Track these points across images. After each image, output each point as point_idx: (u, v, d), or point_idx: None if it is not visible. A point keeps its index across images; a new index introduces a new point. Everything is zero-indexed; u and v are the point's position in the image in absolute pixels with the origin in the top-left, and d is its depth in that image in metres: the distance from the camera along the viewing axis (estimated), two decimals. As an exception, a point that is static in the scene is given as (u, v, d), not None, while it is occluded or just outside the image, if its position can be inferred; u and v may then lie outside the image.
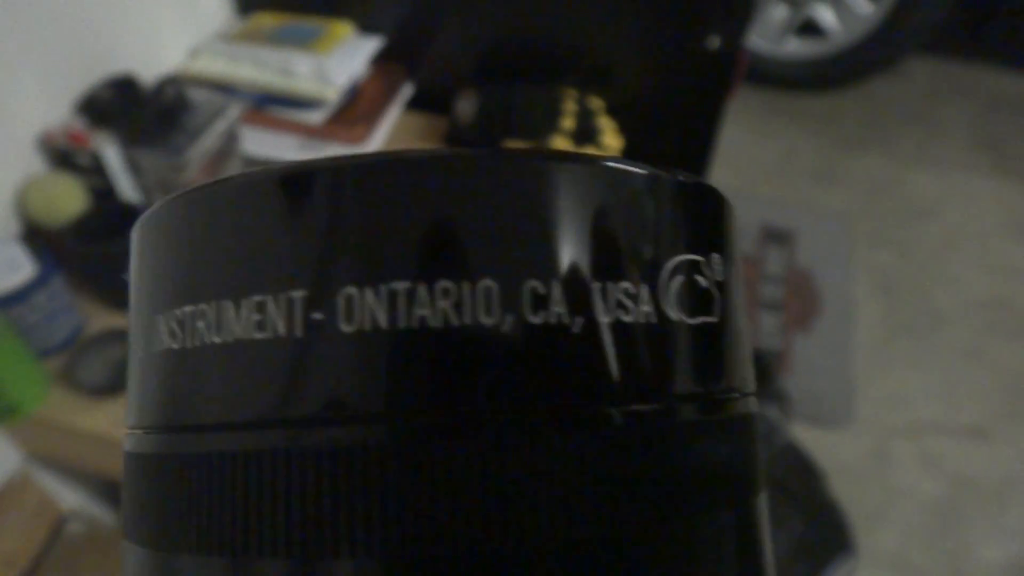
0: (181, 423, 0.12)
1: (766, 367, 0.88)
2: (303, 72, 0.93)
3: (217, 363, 0.11)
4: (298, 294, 0.11)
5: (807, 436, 1.12)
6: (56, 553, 0.83)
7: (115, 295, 0.79)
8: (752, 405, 0.14)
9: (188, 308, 0.12)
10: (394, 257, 0.11)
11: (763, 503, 0.14)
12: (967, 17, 2.24)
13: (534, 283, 0.11)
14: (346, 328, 0.11)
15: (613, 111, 0.99)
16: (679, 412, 0.12)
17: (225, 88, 0.93)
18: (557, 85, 0.99)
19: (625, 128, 0.98)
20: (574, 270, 0.11)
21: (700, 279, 0.13)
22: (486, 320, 0.11)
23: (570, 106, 0.95)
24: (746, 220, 1.79)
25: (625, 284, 0.11)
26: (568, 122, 0.92)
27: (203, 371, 0.12)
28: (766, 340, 1.51)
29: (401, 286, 0.11)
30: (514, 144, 0.91)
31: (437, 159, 0.12)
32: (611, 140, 0.94)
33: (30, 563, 0.80)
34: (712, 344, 0.13)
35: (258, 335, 0.11)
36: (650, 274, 0.12)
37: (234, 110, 0.88)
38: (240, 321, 0.11)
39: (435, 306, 0.11)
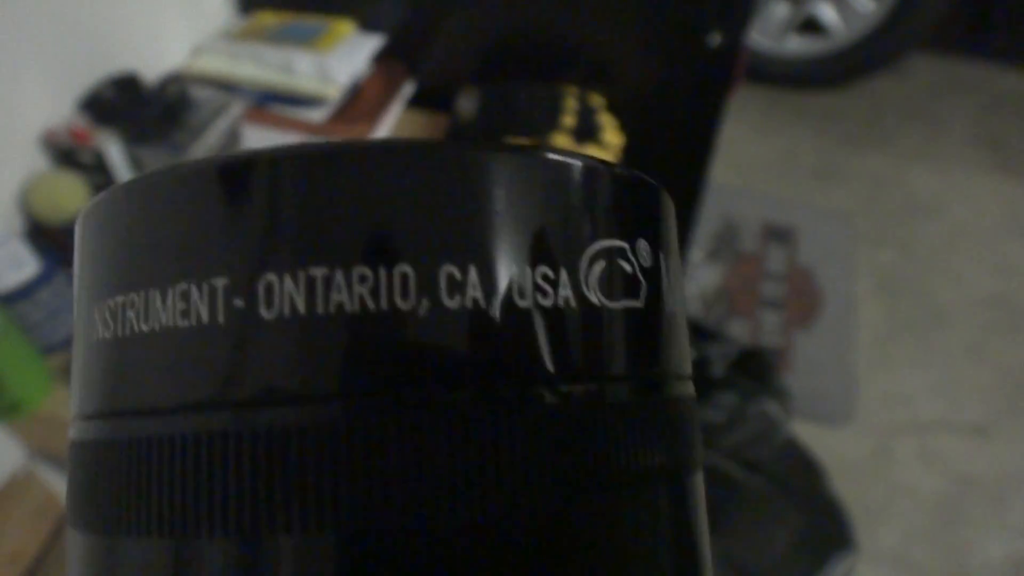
0: (118, 409, 0.12)
1: (767, 365, 0.88)
2: (305, 70, 0.93)
3: (147, 351, 0.12)
4: (220, 282, 0.11)
5: (808, 434, 1.12)
6: (60, 550, 0.83)
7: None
8: (688, 388, 0.15)
9: (119, 298, 0.12)
10: (311, 244, 0.11)
11: (698, 482, 0.14)
12: (969, 14, 2.24)
13: (450, 268, 0.11)
14: (266, 315, 0.11)
15: (614, 108, 0.99)
16: (604, 393, 0.12)
17: (227, 86, 0.94)
18: (558, 82, 0.99)
19: (626, 125, 0.98)
20: (491, 256, 0.11)
21: (624, 265, 0.13)
22: (402, 304, 0.11)
23: (571, 103, 0.95)
24: (747, 217, 1.79)
25: (543, 269, 0.12)
26: (569, 119, 0.92)
27: (134, 359, 0.12)
28: (767, 338, 1.51)
29: (319, 272, 0.11)
30: (517, 141, 0.91)
31: (352, 150, 0.12)
32: (612, 137, 0.94)
33: (33, 560, 0.80)
34: (639, 328, 0.13)
35: (183, 323, 0.11)
36: (570, 260, 0.12)
37: (236, 108, 0.88)
38: (166, 310, 0.11)
39: (352, 292, 0.11)
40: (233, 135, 0.88)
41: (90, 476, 0.12)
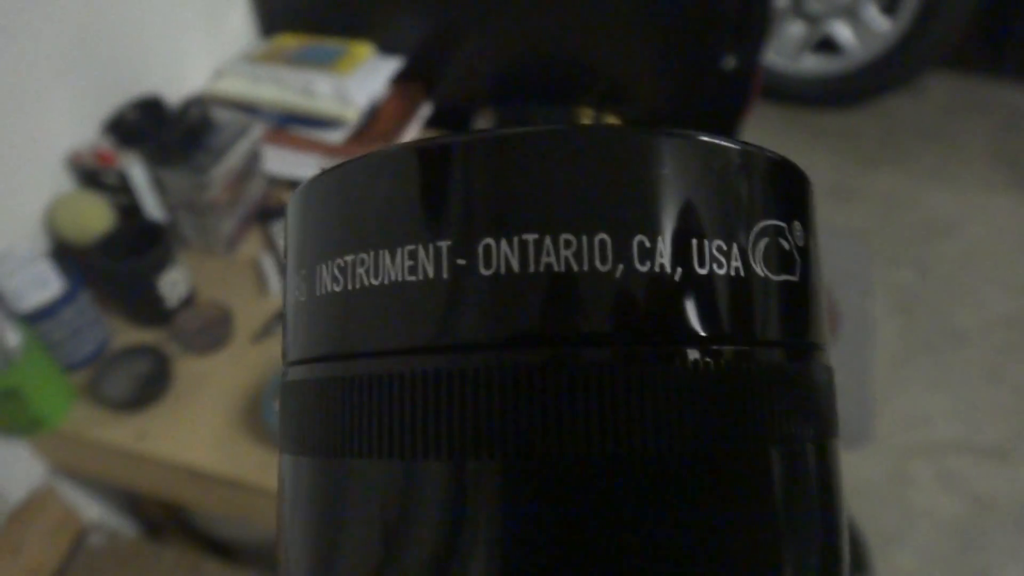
0: (349, 351, 0.14)
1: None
2: (324, 92, 0.95)
3: (377, 301, 0.14)
4: (444, 244, 0.13)
5: (824, 455, 1.12)
6: (78, 565, 0.84)
7: (140, 311, 0.81)
8: (827, 358, 0.16)
9: (349, 257, 0.14)
10: (525, 214, 0.13)
11: (836, 448, 0.16)
12: (985, 33, 2.24)
13: (641, 237, 0.13)
14: (484, 272, 0.13)
15: (630, 130, 0.99)
16: (760, 355, 0.14)
17: (248, 108, 0.95)
18: (574, 104, 1.00)
19: (641, 147, 0.98)
20: (676, 228, 0.13)
21: (783, 242, 0.14)
22: (601, 267, 0.13)
23: (587, 125, 0.95)
24: (763, 237, 1.78)
25: (718, 242, 0.13)
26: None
27: (365, 308, 0.14)
28: (783, 358, 1.51)
29: (531, 237, 0.13)
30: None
31: (562, 133, 0.14)
32: (627, 159, 0.95)
33: (52, 574, 0.81)
34: (793, 300, 0.15)
35: (410, 278, 0.13)
36: (740, 235, 0.14)
37: (257, 130, 0.89)
38: (395, 267, 0.14)
39: (559, 254, 0.13)
40: (254, 156, 0.90)
41: (317, 410, 0.14)
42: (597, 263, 0.13)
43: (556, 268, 0.13)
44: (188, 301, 0.83)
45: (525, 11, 0.97)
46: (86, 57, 0.81)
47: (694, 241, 0.13)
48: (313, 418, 0.15)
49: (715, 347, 0.13)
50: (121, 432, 0.72)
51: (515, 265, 0.13)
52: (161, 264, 0.78)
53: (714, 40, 0.90)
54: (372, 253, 0.14)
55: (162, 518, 0.97)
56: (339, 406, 0.14)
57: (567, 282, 0.13)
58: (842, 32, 2.02)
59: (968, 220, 1.86)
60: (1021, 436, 1.38)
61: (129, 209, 0.83)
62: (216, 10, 1.00)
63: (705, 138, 0.14)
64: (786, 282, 0.14)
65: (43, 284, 0.70)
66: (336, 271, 0.14)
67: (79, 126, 0.82)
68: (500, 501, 0.12)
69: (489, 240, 0.13)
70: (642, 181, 0.13)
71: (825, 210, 1.86)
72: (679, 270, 0.13)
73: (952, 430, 1.39)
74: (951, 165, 2.03)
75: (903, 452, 1.35)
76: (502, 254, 0.13)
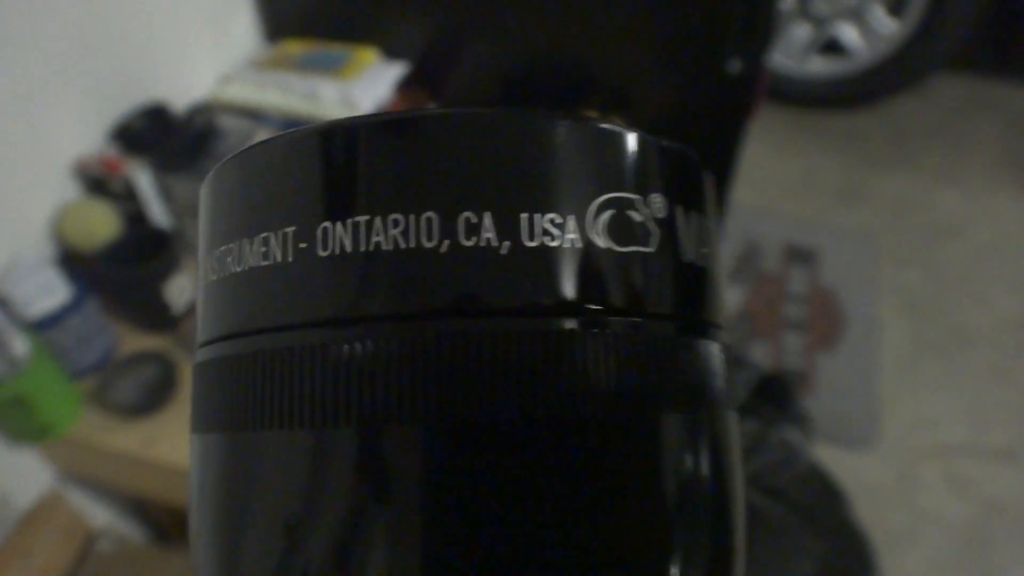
0: (231, 332, 0.15)
1: (787, 390, 0.87)
2: (329, 98, 0.95)
3: (240, 286, 0.15)
4: (290, 229, 0.14)
5: (832, 458, 1.11)
6: (87, 571, 0.85)
7: (146, 317, 0.81)
8: (719, 335, 0.16)
9: (222, 247, 0.15)
10: (355, 198, 0.14)
11: (729, 421, 0.16)
12: (992, 34, 2.22)
13: (468, 214, 0.13)
14: (322, 253, 0.14)
15: (634, 134, 0.99)
16: (607, 325, 0.14)
17: (254, 114, 0.95)
18: (578, 108, 1.00)
19: (646, 151, 0.98)
20: (503, 203, 0.14)
21: (634, 214, 0.14)
22: (427, 244, 0.13)
23: (591, 130, 0.95)
24: (770, 239, 1.78)
25: (551, 215, 0.14)
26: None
27: (256, 288, 0.15)
28: (790, 360, 1.50)
29: (362, 219, 0.13)
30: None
31: (393, 122, 0.14)
32: (632, 163, 0.95)
33: (61, 580, 0.82)
34: (646, 270, 0.15)
35: (264, 263, 0.14)
36: (578, 208, 0.14)
37: (262, 136, 0.90)
38: (253, 253, 0.14)
39: (387, 233, 0.13)
40: (259, 162, 0.90)
41: (226, 386, 0.15)
42: (423, 240, 0.13)
43: (384, 246, 0.13)
44: (194, 307, 0.83)
45: (530, 16, 0.97)
46: (92, 65, 0.82)
47: (523, 215, 0.13)
48: (221, 395, 0.15)
49: (555, 317, 0.14)
50: (129, 438, 0.72)
51: (348, 245, 0.13)
52: (167, 271, 0.78)
53: (719, 43, 0.90)
54: (236, 243, 0.15)
55: (170, 523, 0.98)
56: (243, 381, 0.14)
57: (395, 259, 0.13)
58: (848, 34, 2.01)
59: (976, 221, 1.85)
60: (1030, 438, 1.37)
61: (135, 216, 0.83)
62: (221, 16, 1.01)
63: (536, 115, 0.14)
64: (637, 253, 0.14)
65: (50, 291, 0.71)
66: (214, 262, 0.16)
67: (85, 134, 0.82)
68: (401, 462, 0.13)
69: (326, 224, 0.14)
70: (470, 160, 0.14)
71: (831, 211, 1.87)
72: (506, 243, 0.13)
73: (960, 432, 1.38)
74: (958, 166, 2.02)
75: (911, 454, 1.34)
76: (337, 236, 0.14)
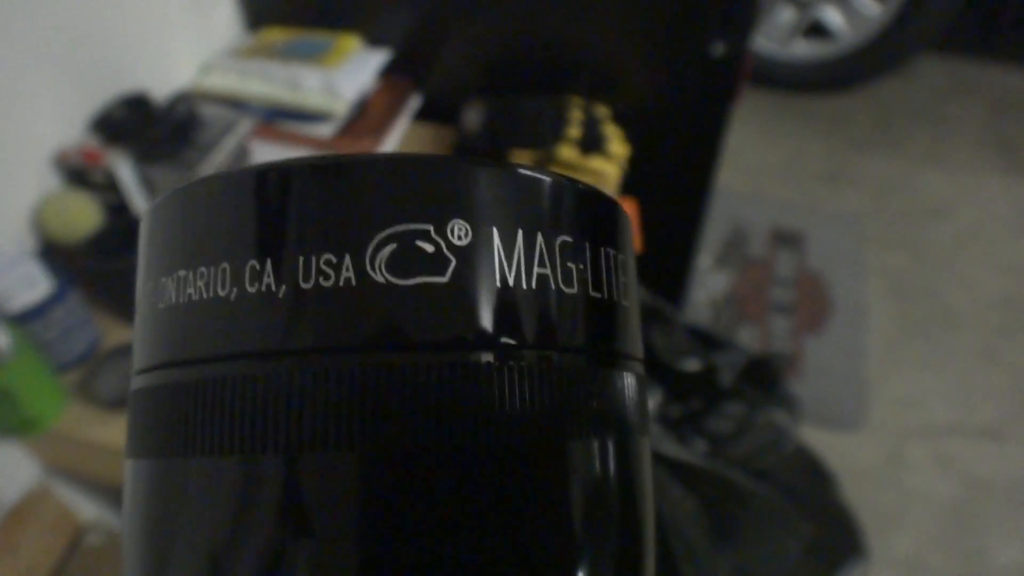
0: (176, 360, 0.15)
1: (774, 372, 0.88)
2: (312, 86, 0.94)
3: (176, 317, 0.15)
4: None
5: (820, 439, 1.12)
6: (75, 565, 0.84)
7: (130, 309, 0.81)
8: (616, 363, 0.17)
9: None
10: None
11: (642, 449, 0.17)
12: (976, 16, 2.23)
13: (252, 262, 0.14)
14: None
15: (619, 119, 0.99)
16: (521, 358, 0.15)
17: (235, 103, 0.95)
18: (563, 94, 0.99)
19: (631, 135, 0.98)
20: (279, 249, 0.14)
21: (425, 245, 0.14)
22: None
23: (576, 115, 0.95)
24: (756, 223, 1.79)
25: (327, 255, 0.14)
26: (574, 131, 0.93)
27: (172, 323, 0.15)
28: (777, 343, 1.51)
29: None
30: (521, 153, 0.92)
31: (316, 165, 0.15)
32: (617, 148, 0.95)
33: (49, 575, 0.81)
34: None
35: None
36: (355, 245, 0.14)
37: (244, 125, 0.89)
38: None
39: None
40: (242, 152, 0.89)
41: (160, 414, 0.15)
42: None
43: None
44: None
45: (513, 2, 0.97)
46: (71, 54, 0.81)
47: (300, 259, 0.14)
48: (153, 421, 0.15)
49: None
50: (114, 431, 0.72)
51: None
52: (151, 262, 0.77)
53: (702, 27, 0.90)
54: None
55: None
56: (174, 410, 0.15)
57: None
58: (832, 17, 2.02)
59: (961, 203, 1.86)
60: (1016, 417, 1.38)
61: (117, 207, 0.82)
62: (202, 4, 1.00)
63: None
64: (425, 284, 0.14)
65: (31, 284, 0.70)
66: (151, 290, 0.16)
67: (65, 124, 0.82)
68: (324, 488, 0.14)
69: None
70: (251, 213, 0.15)
71: (817, 195, 1.87)
72: (283, 288, 0.14)
73: (947, 412, 1.40)
74: (943, 148, 2.03)
75: (898, 435, 1.35)
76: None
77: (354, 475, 0.13)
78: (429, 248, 0.14)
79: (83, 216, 0.79)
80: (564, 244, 0.15)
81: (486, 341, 0.14)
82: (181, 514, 0.15)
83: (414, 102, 1.06)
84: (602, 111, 0.98)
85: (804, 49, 2.10)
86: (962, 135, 2.07)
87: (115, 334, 0.80)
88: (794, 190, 1.91)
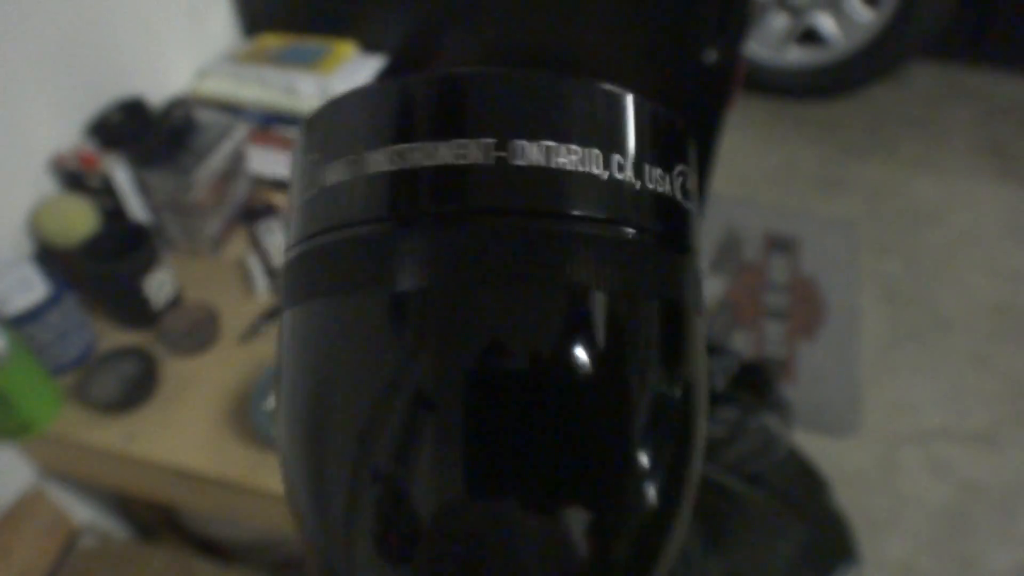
0: (319, 228, 0.18)
1: (767, 377, 0.88)
2: (308, 92, 0.95)
3: (317, 200, 0.18)
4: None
5: (813, 444, 1.12)
6: (69, 568, 0.84)
7: (126, 313, 0.81)
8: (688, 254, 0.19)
9: (319, 166, 0.18)
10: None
11: (690, 316, 0.18)
12: (969, 22, 2.25)
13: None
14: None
15: (613, 125, 1.00)
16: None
17: (232, 108, 0.95)
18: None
19: (625, 141, 0.99)
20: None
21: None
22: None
23: (571, 120, 0.96)
24: (750, 228, 1.79)
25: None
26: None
27: (317, 205, 0.18)
28: (771, 348, 1.52)
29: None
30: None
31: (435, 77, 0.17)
32: (611, 153, 0.95)
33: (44, 577, 0.81)
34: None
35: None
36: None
37: (240, 130, 0.89)
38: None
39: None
40: (238, 157, 0.90)
41: (312, 267, 0.18)
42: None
43: (385, 168, 0.17)
44: (174, 302, 0.83)
45: (507, 8, 0.97)
46: (68, 60, 0.81)
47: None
48: (305, 275, 0.18)
49: (555, 220, 0.16)
50: (109, 434, 0.72)
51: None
52: (146, 266, 0.78)
53: (695, 34, 0.91)
54: (324, 165, 0.17)
55: (153, 519, 0.97)
56: (319, 264, 0.17)
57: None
58: (825, 23, 2.03)
59: (953, 208, 1.87)
60: (1008, 422, 1.39)
61: (113, 211, 0.83)
62: (198, 11, 1.00)
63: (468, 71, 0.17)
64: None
65: (27, 287, 0.70)
66: (309, 177, 0.18)
67: (62, 129, 0.82)
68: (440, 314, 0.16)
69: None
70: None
71: (810, 200, 1.88)
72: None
73: (939, 417, 1.40)
74: (936, 154, 2.04)
75: (891, 439, 1.36)
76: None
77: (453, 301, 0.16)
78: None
79: (79, 220, 0.79)
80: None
81: (571, 215, 0.16)
82: (336, 345, 0.17)
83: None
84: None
85: (797, 55, 2.11)
86: (954, 140, 2.08)
87: (111, 337, 0.80)
88: (788, 195, 1.92)
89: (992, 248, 1.76)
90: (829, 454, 1.24)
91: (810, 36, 2.07)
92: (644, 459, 0.16)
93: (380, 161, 0.16)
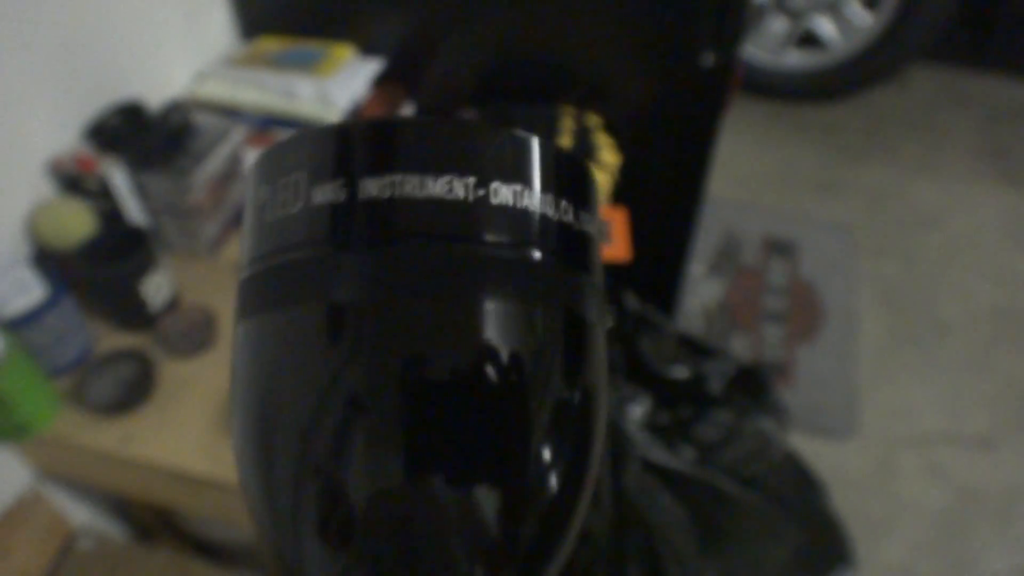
0: (267, 251, 0.19)
1: (763, 381, 0.88)
2: (305, 95, 0.95)
3: (267, 227, 0.19)
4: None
5: (811, 448, 1.13)
6: (67, 570, 0.85)
7: (124, 315, 0.81)
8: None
9: (266, 198, 0.20)
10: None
11: (591, 329, 0.20)
12: (968, 26, 2.25)
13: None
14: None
15: (611, 128, 1.00)
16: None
17: (229, 112, 0.95)
18: (555, 103, 1.00)
19: (623, 144, 0.99)
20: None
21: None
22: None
23: (568, 124, 0.96)
24: (749, 231, 1.79)
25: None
26: (566, 140, 0.94)
27: (267, 231, 0.20)
28: (769, 351, 1.52)
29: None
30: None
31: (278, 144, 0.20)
32: (609, 157, 0.96)
33: (41, 579, 0.82)
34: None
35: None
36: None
37: (238, 133, 0.90)
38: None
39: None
40: (235, 160, 0.90)
41: (262, 285, 0.19)
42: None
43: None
44: (172, 305, 0.83)
45: (506, 11, 0.97)
46: (66, 63, 0.81)
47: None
48: (257, 291, 0.20)
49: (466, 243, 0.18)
50: (106, 437, 0.72)
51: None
52: (144, 268, 0.78)
53: (692, 38, 0.91)
54: (277, 189, 0.19)
55: (151, 521, 0.98)
56: (268, 283, 0.19)
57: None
58: (825, 27, 2.03)
59: (952, 212, 1.87)
60: (1005, 426, 1.39)
61: (111, 214, 0.83)
62: (196, 14, 1.01)
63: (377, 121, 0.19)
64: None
65: (25, 290, 0.70)
66: (273, 198, 0.20)
67: (59, 132, 0.82)
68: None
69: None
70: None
71: (809, 204, 1.88)
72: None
73: (937, 421, 1.40)
74: (935, 157, 2.04)
75: (889, 443, 1.36)
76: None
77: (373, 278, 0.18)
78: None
79: (77, 223, 0.79)
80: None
81: (471, 235, 0.18)
82: (280, 354, 0.19)
83: (407, 110, 1.06)
84: (594, 120, 0.99)
85: (796, 59, 2.11)
86: (954, 144, 2.09)
87: (108, 340, 0.80)
88: (787, 199, 1.92)
89: (991, 252, 1.77)
90: (827, 457, 1.24)
91: (809, 39, 2.07)
92: (546, 452, 0.19)
93: (321, 194, 0.18)
